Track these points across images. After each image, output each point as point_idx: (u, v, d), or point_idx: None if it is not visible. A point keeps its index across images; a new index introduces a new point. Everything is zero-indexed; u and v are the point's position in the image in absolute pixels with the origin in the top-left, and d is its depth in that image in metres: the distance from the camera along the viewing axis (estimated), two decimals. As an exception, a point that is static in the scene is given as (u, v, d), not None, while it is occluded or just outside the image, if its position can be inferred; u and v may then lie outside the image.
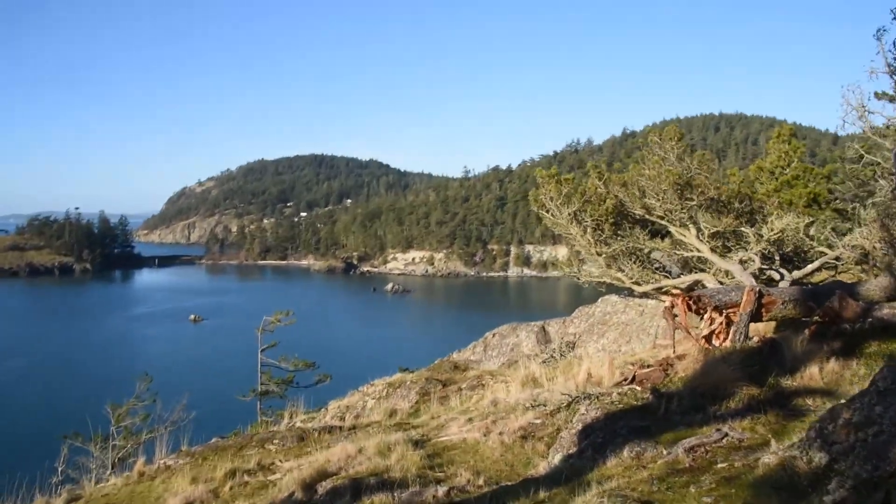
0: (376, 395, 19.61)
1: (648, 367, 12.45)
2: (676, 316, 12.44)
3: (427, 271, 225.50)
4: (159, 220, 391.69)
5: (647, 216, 16.28)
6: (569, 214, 15.98)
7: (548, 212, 16.61)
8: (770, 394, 10.10)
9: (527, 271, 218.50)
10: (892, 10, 17.16)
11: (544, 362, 17.95)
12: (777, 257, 16.36)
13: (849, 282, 14.67)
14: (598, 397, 11.15)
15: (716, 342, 12.71)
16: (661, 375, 11.69)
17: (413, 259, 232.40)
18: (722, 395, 10.12)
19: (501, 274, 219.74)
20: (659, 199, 15.39)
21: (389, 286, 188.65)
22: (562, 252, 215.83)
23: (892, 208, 14.66)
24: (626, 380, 12.24)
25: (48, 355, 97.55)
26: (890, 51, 19.05)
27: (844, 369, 10.89)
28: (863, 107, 16.59)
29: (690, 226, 15.75)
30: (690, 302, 12.26)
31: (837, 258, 16.57)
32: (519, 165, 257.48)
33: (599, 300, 21.77)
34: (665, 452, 8.40)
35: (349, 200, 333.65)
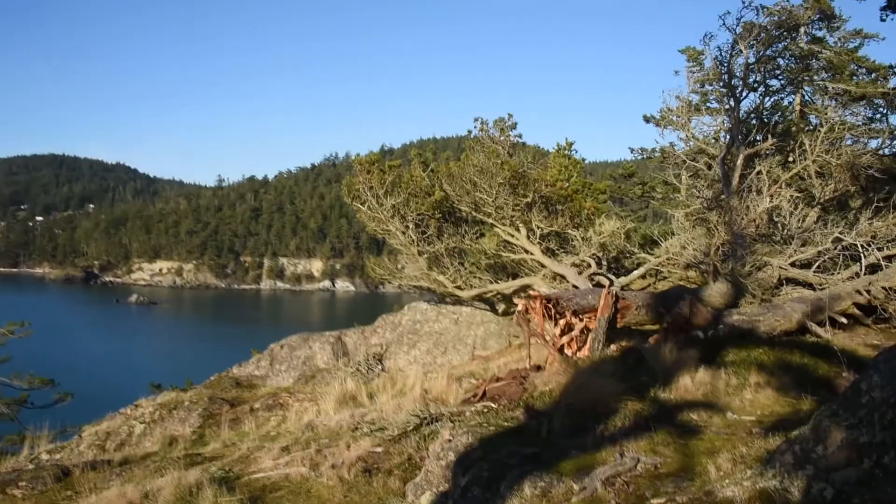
0: (145, 418, 16.50)
1: (498, 380, 10.78)
2: (531, 321, 10.93)
3: (175, 282, 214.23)
4: None
5: (475, 213, 14.68)
6: (391, 207, 14.01)
7: (363, 204, 14.52)
8: (653, 409, 8.93)
9: (280, 284, 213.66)
10: (719, 16, 17.03)
11: (352, 376, 15.90)
12: (605, 262, 15.42)
13: (693, 287, 13.96)
14: (452, 418, 9.32)
15: (568, 351, 11.33)
16: (519, 390, 10.08)
17: (160, 270, 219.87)
18: (603, 413, 8.77)
19: (254, 286, 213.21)
20: (491, 195, 13.82)
21: (133, 297, 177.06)
22: (317, 265, 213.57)
23: (730, 214, 14.11)
24: (475, 396, 10.53)
25: None
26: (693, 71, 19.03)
27: (715, 379, 10.21)
28: (689, 109, 16.19)
29: (521, 226, 14.35)
30: (549, 305, 10.77)
31: (660, 264, 15.95)
32: (275, 177, 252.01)
33: (406, 308, 19.94)
34: (577, 487, 6.70)
35: (91, 206, 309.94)
